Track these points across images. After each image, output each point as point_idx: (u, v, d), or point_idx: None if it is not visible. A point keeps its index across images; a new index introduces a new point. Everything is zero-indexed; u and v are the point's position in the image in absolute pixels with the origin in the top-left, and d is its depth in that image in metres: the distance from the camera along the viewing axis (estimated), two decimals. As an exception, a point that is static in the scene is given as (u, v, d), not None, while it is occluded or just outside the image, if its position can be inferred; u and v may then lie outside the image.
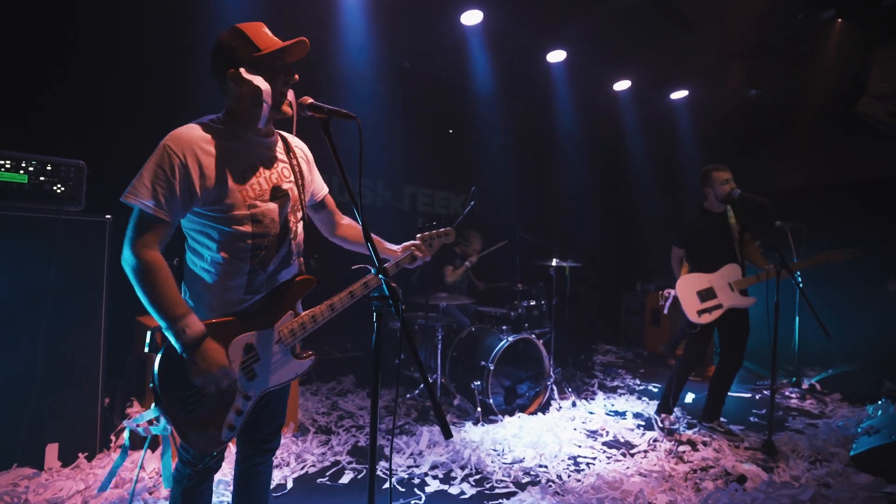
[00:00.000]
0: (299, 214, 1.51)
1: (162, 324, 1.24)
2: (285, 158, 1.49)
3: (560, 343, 4.54)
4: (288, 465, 2.69)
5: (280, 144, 1.49)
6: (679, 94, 5.78)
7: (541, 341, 3.75)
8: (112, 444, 2.63)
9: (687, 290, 3.24)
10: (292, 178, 1.48)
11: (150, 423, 1.48)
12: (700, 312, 3.18)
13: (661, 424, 3.41)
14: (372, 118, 4.64)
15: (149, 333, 1.33)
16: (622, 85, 5.51)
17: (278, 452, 2.76)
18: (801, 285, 3.21)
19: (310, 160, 1.61)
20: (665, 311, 3.38)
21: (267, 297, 1.44)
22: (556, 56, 4.84)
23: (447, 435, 1.11)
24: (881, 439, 2.70)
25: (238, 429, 1.40)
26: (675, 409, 3.84)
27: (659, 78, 5.47)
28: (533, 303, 4.18)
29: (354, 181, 1.23)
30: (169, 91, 3.59)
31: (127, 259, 1.25)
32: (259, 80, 1.30)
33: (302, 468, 2.67)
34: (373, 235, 1.76)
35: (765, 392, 4.47)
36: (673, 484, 2.56)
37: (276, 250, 1.42)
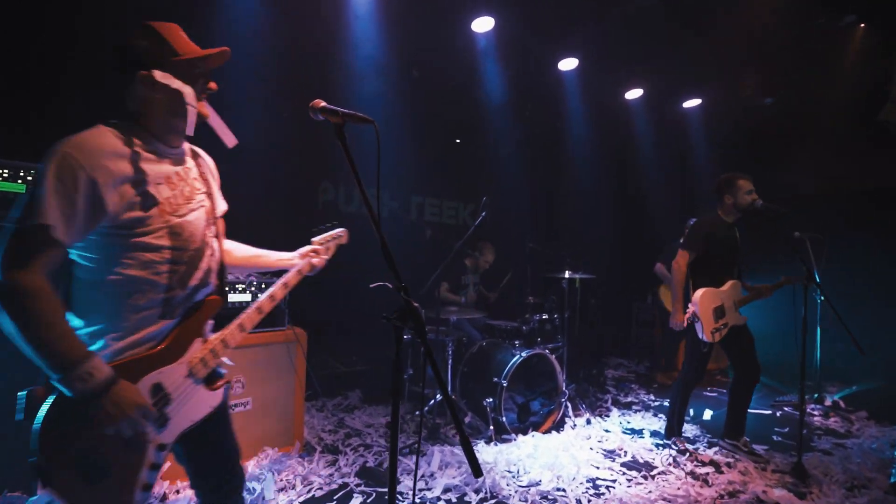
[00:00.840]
0: (213, 229, 1.37)
1: (55, 372, 1.01)
2: (195, 170, 1.36)
3: (573, 358, 4.40)
4: (294, 487, 2.56)
5: (189, 155, 1.37)
6: (692, 103, 5.70)
7: (554, 356, 3.62)
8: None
9: (707, 307, 3.08)
10: (204, 190, 1.36)
11: None
12: (713, 332, 3.05)
13: (678, 447, 3.25)
14: (379, 126, 4.56)
15: (21, 396, 1.05)
16: (634, 93, 5.43)
17: (283, 475, 2.63)
18: (822, 297, 3.10)
19: (215, 173, 1.48)
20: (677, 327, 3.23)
21: (175, 324, 1.26)
22: (568, 64, 4.77)
23: (477, 473, 1.00)
24: (922, 464, 2.55)
25: (153, 486, 1.18)
26: (693, 427, 3.71)
27: (672, 86, 5.39)
28: (545, 316, 4.05)
29: (361, 188, 1.15)
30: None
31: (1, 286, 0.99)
32: (178, 83, 1.19)
33: (308, 491, 2.53)
34: (259, 249, 1.63)
35: (786, 409, 4.30)
36: (701, 511, 2.42)
37: (196, 266, 1.28)
